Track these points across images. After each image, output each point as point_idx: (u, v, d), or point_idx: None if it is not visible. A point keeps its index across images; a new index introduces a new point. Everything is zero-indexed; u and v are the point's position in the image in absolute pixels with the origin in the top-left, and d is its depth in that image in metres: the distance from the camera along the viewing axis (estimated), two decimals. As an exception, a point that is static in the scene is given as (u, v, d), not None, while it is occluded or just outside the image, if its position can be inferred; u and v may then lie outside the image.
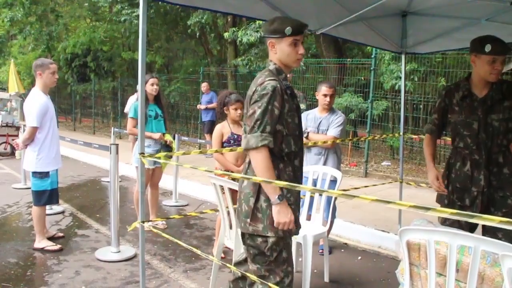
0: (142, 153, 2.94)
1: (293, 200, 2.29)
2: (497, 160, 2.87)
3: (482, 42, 2.76)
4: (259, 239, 2.25)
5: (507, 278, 1.70)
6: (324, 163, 4.12)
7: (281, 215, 2.17)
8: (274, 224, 2.19)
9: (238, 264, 2.61)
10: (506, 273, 1.69)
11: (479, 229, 3.00)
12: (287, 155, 2.27)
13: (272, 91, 2.15)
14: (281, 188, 2.17)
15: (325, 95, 4.16)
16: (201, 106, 10.46)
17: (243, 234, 2.34)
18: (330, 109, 4.24)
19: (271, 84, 2.16)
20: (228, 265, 2.80)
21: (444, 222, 3.02)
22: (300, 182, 2.38)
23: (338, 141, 4.20)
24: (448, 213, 1.45)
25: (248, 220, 2.24)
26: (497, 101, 2.84)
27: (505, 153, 2.89)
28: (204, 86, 10.68)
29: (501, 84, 2.86)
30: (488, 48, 2.71)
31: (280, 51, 2.27)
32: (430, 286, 2.02)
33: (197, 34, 12.70)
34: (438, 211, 1.50)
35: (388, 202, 1.59)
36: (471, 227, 2.93)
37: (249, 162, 2.28)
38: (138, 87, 2.97)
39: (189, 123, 14.55)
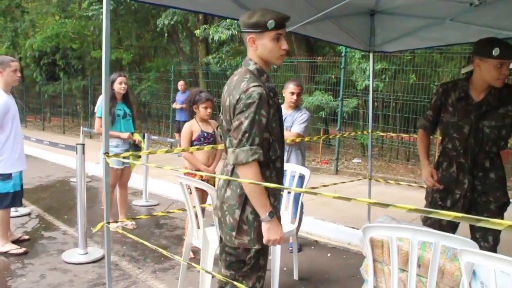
0: (106, 153, 2.88)
1: (279, 208, 2.21)
2: (483, 165, 2.83)
3: (489, 45, 2.59)
4: (241, 249, 2.15)
5: (464, 271, 1.74)
6: (288, 160, 4.14)
7: (271, 232, 2.05)
8: (264, 241, 2.08)
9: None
10: (463, 267, 1.72)
11: (462, 230, 2.91)
12: (272, 161, 2.14)
13: (259, 99, 1.96)
14: (271, 203, 2.07)
15: (292, 93, 4.19)
16: (177, 105, 10.34)
17: (223, 242, 2.23)
18: (296, 107, 4.27)
19: (257, 92, 1.97)
20: (194, 264, 2.77)
21: (426, 221, 3.01)
22: (282, 183, 2.27)
23: (307, 138, 4.22)
24: (406, 209, 1.46)
25: (234, 233, 2.10)
26: (492, 107, 2.74)
27: (493, 158, 2.85)
28: (181, 84, 10.52)
29: (500, 89, 2.72)
30: (496, 52, 2.54)
31: (261, 46, 2.06)
32: (393, 282, 2.05)
33: (165, 33, 12.54)
34: (397, 207, 1.51)
35: (349, 199, 1.60)
36: (453, 228, 2.93)
37: (232, 170, 2.12)
38: (104, 84, 2.91)
39: (161, 121, 14.42)
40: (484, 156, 2.82)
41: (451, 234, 1.88)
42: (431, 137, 3.17)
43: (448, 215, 1.42)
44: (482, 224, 1.35)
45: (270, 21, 2.01)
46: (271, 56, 2.09)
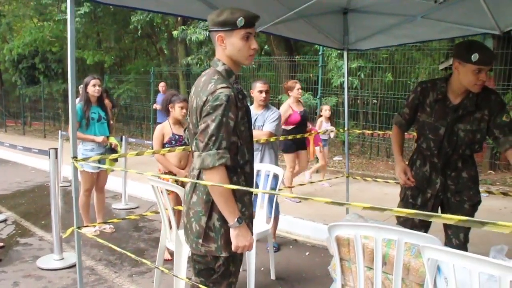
0: (74, 157, 2.85)
1: (247, 214, 2.12)
2: (456, 165, 2.85)
3: (469, 49, 2.54)
4: (209, 257, 2.09)
5: (427, 268, 1.75)
6: (261, 159, 4.14)
7: (240, 238, 1.99)
8: (232, 248, 2.02)
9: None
10: (426, 263, 1.74)
11: (434, 229, 2.91)
12: (240, 166, 2.08)
13: (226, 101, 1.90)
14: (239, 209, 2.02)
15: (260, 91, 4.19)
16: (158, 106, 10.25)
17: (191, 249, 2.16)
18: (266, 106, 4.27)
19: (225, 93, 1.91)
20: (167, 271, 2.75)
21: (399, 218, 3.00)
22: (251, 187, 2.21)
23: (283, 138, 4.22)
24: (361, 207, 1.47)
25: (200, 240, 2.04)
26: (469, 112, 2.71)
27: (466, 159, 2.86)
28: (161, 86, 10.41)
29: (478, 93, 2.68)
30: (475, 57, 2.49)
31: (230, 45, 2.00)
32: (359, 280, 2.06)
33: (139, 30, 12.40)
34: (353, 205, 1.52)
35: (306, 199, 1.60)
36: (426, 226, 2.94)
37: (198, 174, 2.06)
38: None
39: (142, 124, 14.31)
40: (457, 158, 2.83)
41: (414, 231, 1.88)
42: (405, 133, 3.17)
43: (451, 218, 1.39)
44: (490, 228, 1.30)
45: (240, 19, 1.96)
46: (240, 56, 2.03)
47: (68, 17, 2.74)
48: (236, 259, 2.17)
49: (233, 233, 1.99)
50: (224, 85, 1.95)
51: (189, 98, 2.14)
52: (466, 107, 2.72)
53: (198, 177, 2.07)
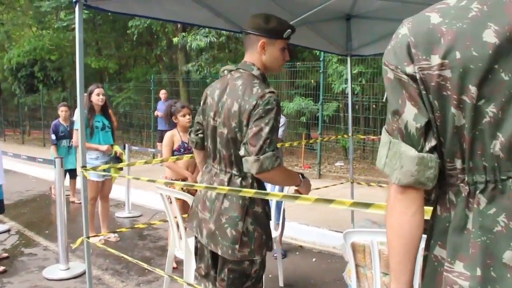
0: (84, 167, 2.84)
1: (268, 211, 2.16)
2: None
3: None
4: (246, 263, 2.08)
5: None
6: None
7: (306, 189, 2.19)
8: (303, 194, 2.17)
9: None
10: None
11: None
12: None
13: (277, 106, 1.96)
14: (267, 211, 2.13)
15: None
16: (159, 113, 10.23)
17: (222, 258, 2.11)
18: None
19: (274, 98, 1.96)
20: (177, 277, 2.74)
21: None
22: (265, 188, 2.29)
23: (287, 144, 4.21)
24: (348, 204, 1.46)
25: (237, 246, 2.02)
26: None
27: None
28: (162, 93, 10.34)
29: None
30: None
31: (269, 54, 2.06)
32: (376, 286, 2.05)
33: (135, 37, 12.39)
34: (339, 203, 1.51)
35: (295, 197, 1.60)
36: None
37: (230, 178, 2.08)
38: (80, 96, 2.87)
39: (143, 131, 14.30)
40: None
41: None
42: None
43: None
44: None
45: (288, 31, 2.04)
46: (275, 65, 2.10)
47: (77, 26, 2.75)
48: (264, 263, 2.18)
49: (301, 187, 2.18)
50: (271, 89, 2.00)
51: (216, 100, 2.10)
52: None
53: (230, 181, 2.07)
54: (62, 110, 6.96)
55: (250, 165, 1.92)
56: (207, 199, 2.13)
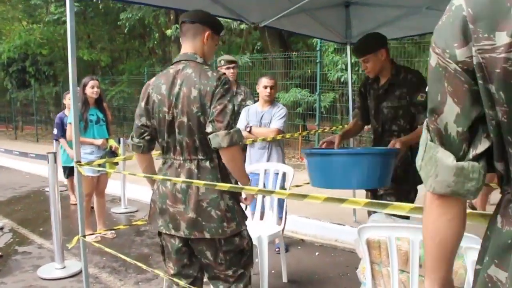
0: (78, 162, 2.71)
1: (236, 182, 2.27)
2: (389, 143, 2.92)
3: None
4: (237, 238, 2.18)
5: (470, 270, 1.64)
6: (269, 158, 4.03)
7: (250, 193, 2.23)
8: (247, 200, 2.25)
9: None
10: (470, 265, 1.63)
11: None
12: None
13: (230, 85, 2.12)
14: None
15: (266, 87, 4.06)
16: None
17: (213, 245, 2.14)
18: (272, 103, 4.15)
19: (227, 79, 2.10)
20: (176, 280, 2.63)
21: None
22: None
23: (288, 135, 4.10)
24: (322, 199, 1.35)
25: (225, 224, 2.10)
26: (390, 90, 3.00)
27: (398, 136, 2.95)
28: None
29: (398, 74, 3.00)
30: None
31: (209, 46, 2.21)
32: (393, 284, 1.94)
33: (126, 30, 12.19)
34: (312, 198, 1.40)
35: (271, 192, 1.49)
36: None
37: (198, 164, 2.13)
38: (72, 88, 2.74)
39: (137, 125, 14.15)
40: (389, 135, 2.99)
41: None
42: None
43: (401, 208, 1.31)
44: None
45: (224, 30, 2.33)
46: (209, 57, 2.25)
47: (68, 15, 2.61)
48: (249, 233, 2.31)
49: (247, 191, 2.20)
50: (221, 72, 2.17)
51: (171, 91, 2.11)
52: (387, 86, 3.02)
53: (199, 166, 2.11)
54: (69, 98, 6.67)
55: (221, 138, 1.99)
56: (178, 192, 2.13)
